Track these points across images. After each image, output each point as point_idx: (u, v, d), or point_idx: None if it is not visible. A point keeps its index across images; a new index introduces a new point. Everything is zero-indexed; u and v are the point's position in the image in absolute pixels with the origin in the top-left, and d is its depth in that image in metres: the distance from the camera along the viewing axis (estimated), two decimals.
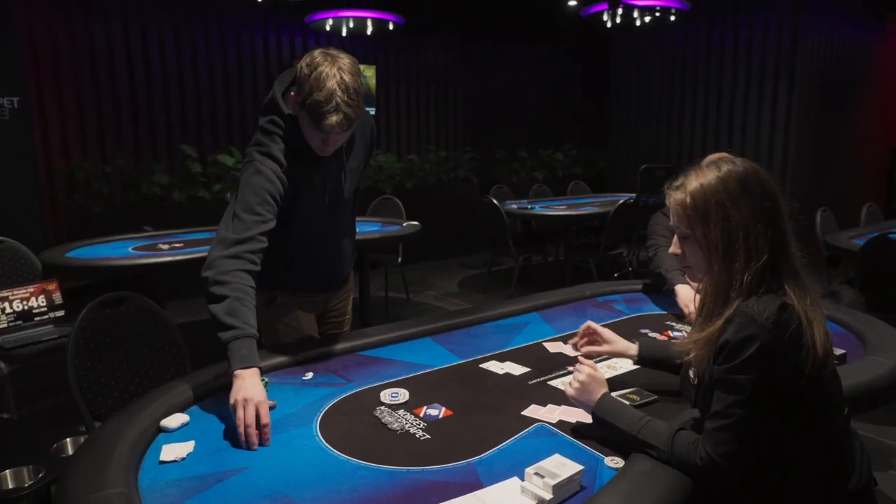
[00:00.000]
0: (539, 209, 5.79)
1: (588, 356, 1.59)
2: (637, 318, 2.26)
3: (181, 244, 3.86)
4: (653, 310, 2.35)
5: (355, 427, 1.40)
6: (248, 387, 1.40)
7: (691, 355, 1.25)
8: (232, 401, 1.37)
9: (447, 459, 1.25)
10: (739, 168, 1.20)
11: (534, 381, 1.67)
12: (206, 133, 6.91)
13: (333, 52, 1.67)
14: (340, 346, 1.89)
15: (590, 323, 1.65)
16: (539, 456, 1.23)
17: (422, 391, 1.59)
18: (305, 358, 1.81)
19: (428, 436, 1.35)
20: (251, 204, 1.68)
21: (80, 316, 1.87)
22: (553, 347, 1.93)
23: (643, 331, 2.09)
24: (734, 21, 7.56)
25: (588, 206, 6.10)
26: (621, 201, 5.26)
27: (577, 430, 1.38)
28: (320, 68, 1.61)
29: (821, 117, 7.49)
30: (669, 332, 2.08)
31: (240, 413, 1.34)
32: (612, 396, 1.35)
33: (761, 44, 7.34)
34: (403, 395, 1.54)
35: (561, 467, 1.15)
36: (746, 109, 7.59)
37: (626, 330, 2.10)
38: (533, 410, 1.48)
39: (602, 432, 1.32)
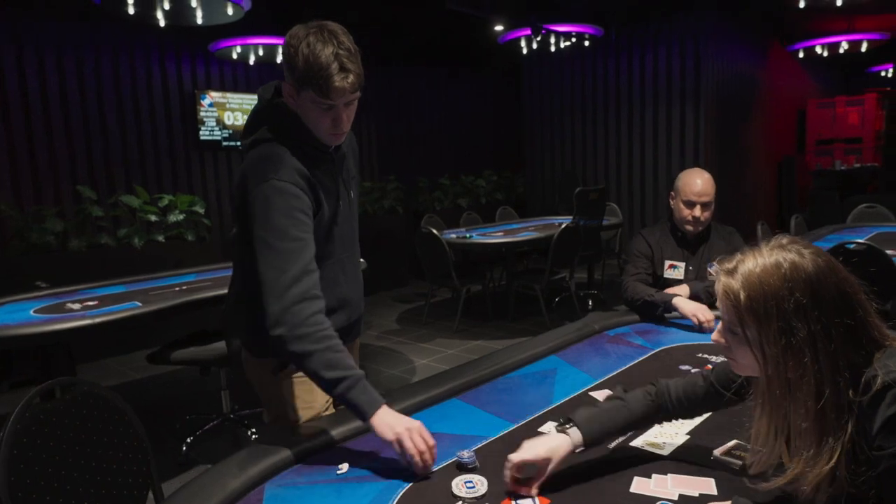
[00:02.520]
0: (477, 237, 5.63)
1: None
2: (665, 351, 2.09)
3: (95, 302, 3.29)
4: (674, 341, 2.19)
5: None
6: (396, 420, 1.36)
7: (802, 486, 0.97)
8: (392, 437, 1.32)
9: None
10: (809, 266, 0.97)
11: (613, 444, 1.42)
12: (102, 172, 6.18)
13: (315, 22, 1.49)
14: (360, 423, 1.54)
15: (509, 465, 1.21)
16: None
17: (493, 473, 1.29)
18: (328, 441, 1.45)
19: None
20: (285, 228, 1.45)
21: (13, 417, 1.40)
22: (603, 398, 1.69)
23: (683, 367, 1.91)
24: (640, 47, 7.90)
25: (524, 231, 6.02)
26: (563, 225, 5.20)
27: None
28: (310, 38, 1.44)
29: (721, 138, 7.95)
30: (709, 366, 1.92)
31: (408, 444, 1.30)
32: (740, 500, 1.05)
33: (667, 68, 7.70)
34: (481, 483, 1.23)
35: None
36: (657, 132, 7.91)
37: (664, 369, 1.92)
38: (641, 486, 1.23)
39: None
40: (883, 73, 10.92)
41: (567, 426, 1.27)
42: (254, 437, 3.27)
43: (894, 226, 4.93)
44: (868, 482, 0.92)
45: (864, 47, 7.88)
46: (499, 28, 6.20)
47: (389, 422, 1.35)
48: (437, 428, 1.54)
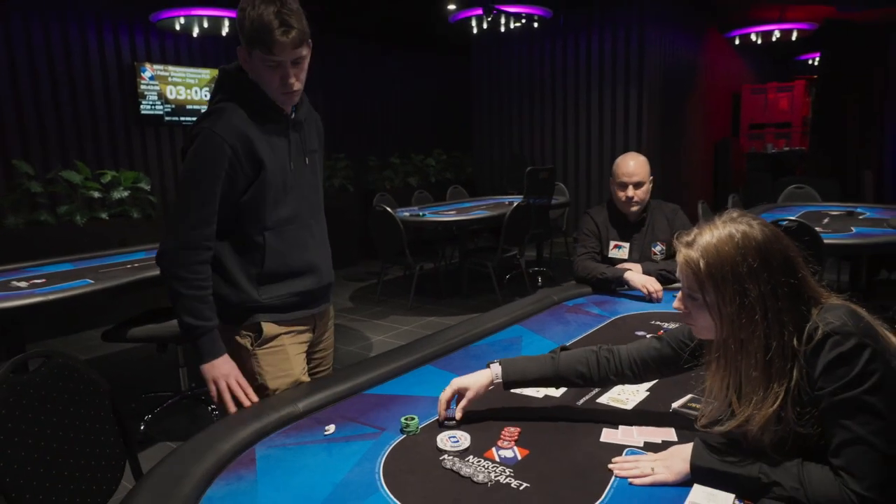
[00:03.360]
0: (430, 216, 5.69)
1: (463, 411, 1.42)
2: (621, 319, 2.22)
3: (42, 280, 3.18)
4: (629, 310, 2.33)
5: (435, 486, 1.16)
6: (219, 366, 1.62)
7: (753, 426, 1.09)
8: (209, 379, 1.61)
9: None
10: (758, 234, 1.10)
11: (581, 401, 1.53)
12: (37, 147, 5.88)
13: None
14: (340, 388, 1.60)
15: (442, 397, 1.43)
16: (659, 489, 1.11)
17: (474, 429, 1.38)
18: (310, 407, 1.51)
19: (525, 483, 1.16)
20: (200, 178, 1.60)
21: None
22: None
23: (639, 333, 2.05)
24: (587, 30, 8.07)
25: (476, 209, 6.12)
26: (515, 204, 5.32)
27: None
28: (255, 2, 1.55)
29: (662, 120, 8.25)
30: (662, 331, 2.06)
31: (221, 386, 1.60)
32: (701, 441, 1.16)
33: (612, 52, 7.91)
34: (464, 438, 1.32)
35: (713, 499, 1.03)
36: (602, 113, 8.13)
37: (621, 335, 2.05)
38: (610, 436, 1.34)
39: (708, 480, 1.11)
40: (810, 62, 11.51)
41: (494, 362, 1.48)
42: (214, 413, 3.26)
43: (820, 205, 5.29)
44: (812, 421, 1.05)
45: (794, 36, 8.31)
46: (451, 7, 6.21)
47: (211, 368, 1.61)
48: (416, 391, 1.62)
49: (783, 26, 8.15)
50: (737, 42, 8.84)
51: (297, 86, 1.65)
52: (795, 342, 1.06)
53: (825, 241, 3.55)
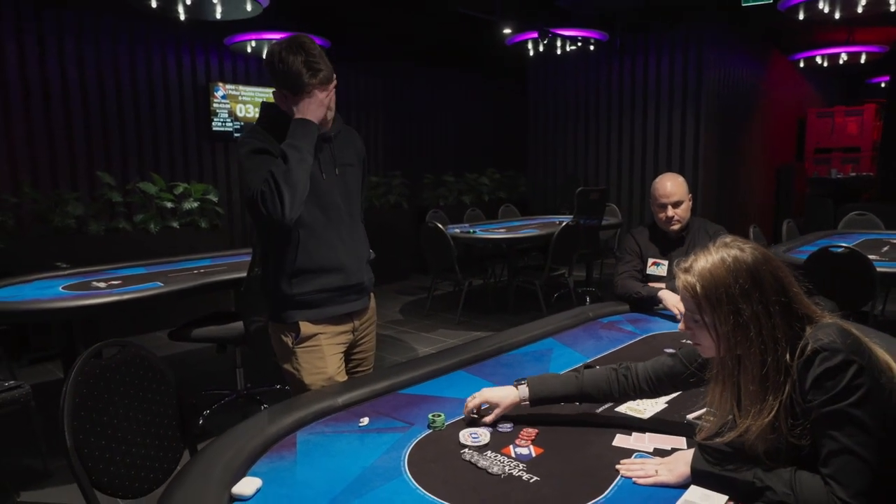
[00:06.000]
0: (480, 233, 5.82)
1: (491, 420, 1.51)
2: (652, 337, 2.28)
3: (119, 281, 3.49)
4: (662, 328, 2.39)
5: (453, 474, 1.28)
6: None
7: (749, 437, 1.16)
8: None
9: (574, 502, 1.17)
10: (748, 258, 1.18)
11: (600, 409, 1.62)
12: (118, 160, 6.37)
13: (285, 39, 1.83)
14: (376, 387, 1.74)
15: (469, 402, 1.53)
16: (659, 489, 1.19)
17: (495, 428, 1.48)
18: (348, 401, 1.65)
19: (535, 477, 1.26)
20: (250, 151, 1.82)
21: (75, 370, 1.60)
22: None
23: (668, 350, 2.09)
24: (644, 53, 8.08)
25: (526, 228, 6.21)
26: (564, 224, 5.39)
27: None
28: (283, 53, 1.77)
29: (720, 144, 8.13)
30: None
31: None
32: (701, 448, 1.24)
33: (669, 74, 7.89)
34: (484, 435, 1.43)
35: (707, 500, 1.11)
36: (658, 136, 8.09)
37: (649, 352, 2.11)
38: (622, 440, 1.42)
39: (706, 483, 1.19)
40: (883, 85, 11.08)
41: (521, 381, 1.55)
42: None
43: (881, 233, 5.12)
44: (803, 432, 1.12)
45: (863, 59, 8.07)
46: (507, 31, 6.38)
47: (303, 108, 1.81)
48: (447, 393, 1.74)
49: (851, 49, 7.94)
50: (801, 65, 8.65)
51: (331, 114, 1.90)
52: (788, 357, 1.13)
53: (881, 269, 3.47)
